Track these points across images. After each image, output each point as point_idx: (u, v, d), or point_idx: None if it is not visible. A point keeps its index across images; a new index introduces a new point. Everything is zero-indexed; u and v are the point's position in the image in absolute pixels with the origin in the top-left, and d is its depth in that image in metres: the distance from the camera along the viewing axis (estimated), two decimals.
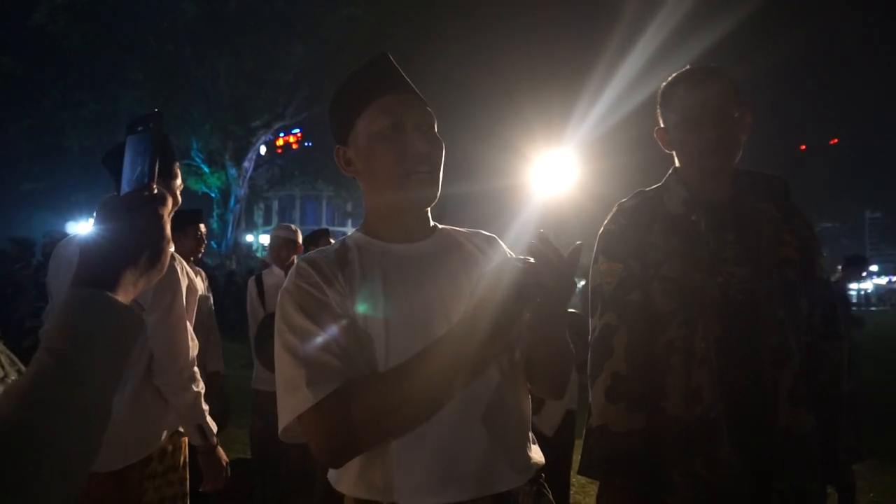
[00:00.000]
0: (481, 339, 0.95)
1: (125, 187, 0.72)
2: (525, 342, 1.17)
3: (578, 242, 1.01)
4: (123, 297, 0.68)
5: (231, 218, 20.70)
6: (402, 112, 1.11)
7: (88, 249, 0.69)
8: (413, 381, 0.97)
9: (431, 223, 1.21)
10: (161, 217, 0.71)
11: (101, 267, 0.67)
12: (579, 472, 1.51)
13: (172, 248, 0.73)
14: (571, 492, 4.22)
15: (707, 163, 1.50)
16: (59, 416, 0.59)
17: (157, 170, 0.72)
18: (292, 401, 1.00)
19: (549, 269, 0.97)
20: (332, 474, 1.13)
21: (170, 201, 0.73)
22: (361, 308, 1.07)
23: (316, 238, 3.95)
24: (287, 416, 1.01)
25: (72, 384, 0.61)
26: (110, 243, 0.68)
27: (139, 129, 0.73)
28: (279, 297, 1.09)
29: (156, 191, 0.71)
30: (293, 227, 4.01)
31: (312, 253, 1.15)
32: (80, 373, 0.62)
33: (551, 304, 1.01)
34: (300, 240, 3.90)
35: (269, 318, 3.44)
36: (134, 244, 0.69)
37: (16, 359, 0.84)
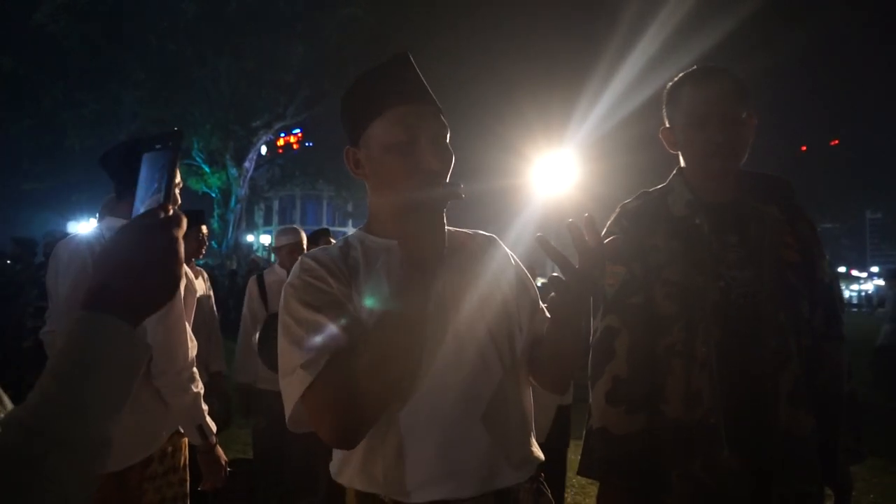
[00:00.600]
0: (425, 269, 0.98)
1: (139, 206, 0.71)
2: (537, 329, 1.19)
3: (615, 237, 1.03)
4: (133, 321, 0.66)
5: (232, 218, 20.70)
6: (418, 125, 1.09)
7: (101, 271, 0.67)
8: (388, 325, 0.98)
9: None
10: (176, 240, 0.69)
11: (113, 291, 0.66)
12: (579, 473, 1.51)
13: (185, 270, 0.71)
14: (572, 492, 4.22)
15: (713, 164, 1.49)
16: (62, 447, 0.58)
17: (173, 190, 0.71)
18: (293, 383, 1.00)
19: (583, 253, 0.99)
20: (333, 466, 1.13)
21: (185, 223, 0.71)
22: (366, 303, 1.07)
23: (316, 238, 3.95)
24: (290, 400, 1.01)
25: (76, 415, 0.60)
26: (123, 267, 0.67)
27: (157, 146, 0.72)
28: (283, 291, 1.09)
29: (171, 212, 0.70)
30: (299, 229, 3.97)
31: (316, 250, 1.16)
32: (85, 403, 0.61)
33: (577, 287, 1.02)
34: (305, 243, 3.89)
35: (273, 318, 3.44)
36: (147, 268, 0.67)
37: None
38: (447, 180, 1.13)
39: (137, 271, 0.67)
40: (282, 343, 1.05)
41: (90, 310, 0.65)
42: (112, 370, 0.63)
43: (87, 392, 0.61)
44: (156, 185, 0.71)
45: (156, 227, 0.68)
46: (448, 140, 1.15)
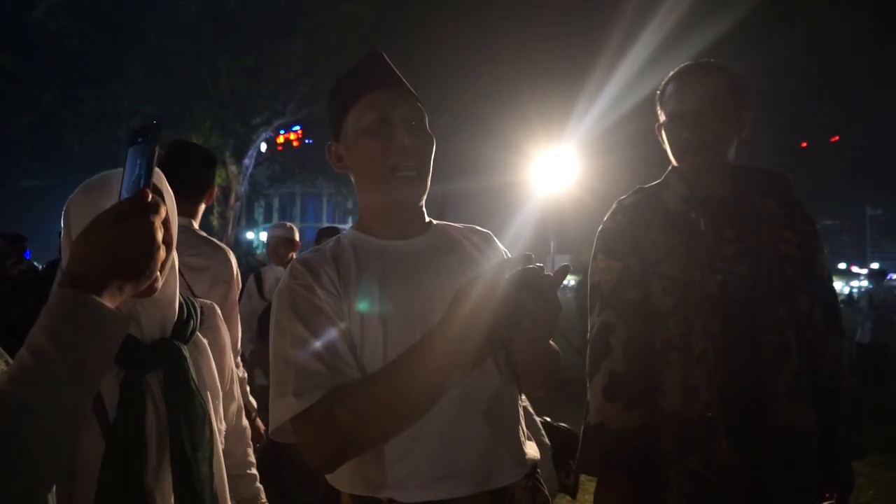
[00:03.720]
0: (475, 342, 0.94)
1: (124, 194, 0.74)
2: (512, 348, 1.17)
3: (565, 265, 0.98)
4: (109, 300, 0.69)
5: (232, 215, 20.69)
6: (390, 106, 1.11)
7: (77, 252, 0.70)
8: (403, 383, 0.97)
9: (427, 219, 1.20)
10: (152, 224, 0.72)
11: (89, 270, 0.69)
12: (577, 469, 1.51)
13: (164, 255, 0.75)
14: None
15: (687, 161, 1.52)
16: (34, 415, 0.62)
17: (151, 178, 0.74)
18: (281, 406, 1.00)
19: (535, 297, 0.93)
20: None
21: (163, 210, 0.74)
22: (358, 307, 1.06)
23: (326, 236, 3.97)
24: (276, 420, 1.02)
25: (49, 383, 0.63)
26: (100, 247, 0.70)
27: (139, 140, 0.76)
28: (273, 298, 1.09)
29: (150, 199, 0.73)
30: (289, 225, 4.05)
31: (307, 253, 1.15)
32: (58, 372, 0.64)
33: (536, 328, 0.97)
34: (297, 237, 3.93)
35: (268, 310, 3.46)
36: (123, 250, 0.71)
37: (2, 350, 0.86)
38: (427, 165, 1.12)
39: (115, 253, 0.70)
40: (272, 356, 1.05)
41: (66, 287, 0.68)
42: (86, 344, 0.66)
43: (60, 363, 0.64)
44: (137, 173, 0.74)
45: (133, 212, 0.72)
46: (426, 124, 1.15)
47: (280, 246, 3.87)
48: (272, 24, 18.00)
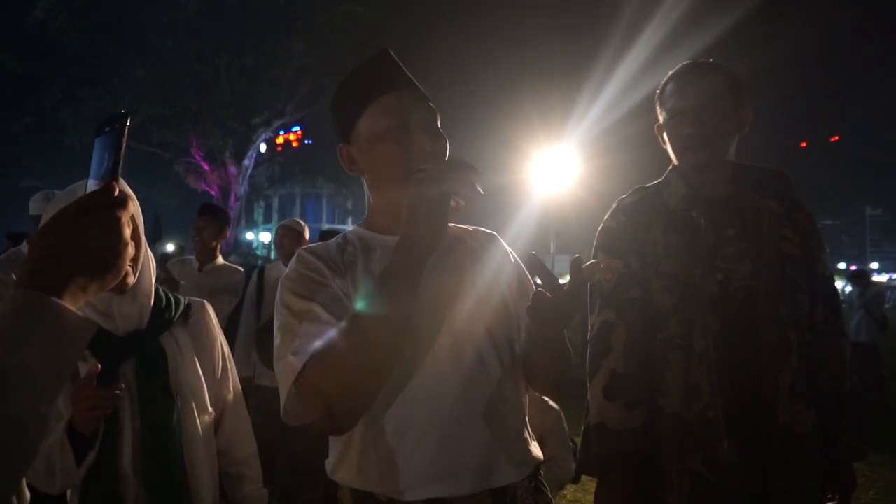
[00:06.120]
0: (416, 264, 0.96)
1: (92, 186, 0.70)
2: (523, 340, 1.17)
3: (593, 261, 1.01)
4: (71, 301, 0.63)
5: (231, 216, 20.69)
6: (406, 111, 1.10)
7: (36, 250, 0.64)
8: (359, 336, 0.95)
9: None
10: (119, 220, 0.67)
11: (47, 268, 0.63)
12: (577, 469, 1.51)
13: (133, 252, 0.70)
14: (572, 488, 4.22)
15: (689, 158, 1.52)
16: None
17: (119, 170, 0.69)
18: (285, 370, 1.00)
19: (554, 289, 0.98)
20: (328, 464, 1.13)
21: (131, 204, 0.69)
22: (362, 301, 1.06)
23: (327, 239, 3.98)
24: (284, 388, 1.01)
25: (1, 391, 0.58)
26: (59, 244, 0.64)
27: (107, 129, 0.72)
28: (280, 284, 1.10)
29: (116, 192, 0.67)
30: (300, 221, 4.04)
31: (314, 245, 1.16)
32: (10, 379, 0.58)
33: (554, 319, 1.01)
34: (306, 234, 3.92)
35: (270, 322, 3.46)
36: (86, 247, 0.65)
37: None
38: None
39: (76, 249, 0.64)
40: (276, 333, 1.05)
41: (22, 288, 0.62)
42: (41, 348, 0.60)
43: (12, 368, 0.58)
44: (105, 166, 0.69)
45: (98, 207, 0.66)
46: (439, 125, 1.14)
47: (286, 237, 3.83)
48: (272, 23, 18.01)
